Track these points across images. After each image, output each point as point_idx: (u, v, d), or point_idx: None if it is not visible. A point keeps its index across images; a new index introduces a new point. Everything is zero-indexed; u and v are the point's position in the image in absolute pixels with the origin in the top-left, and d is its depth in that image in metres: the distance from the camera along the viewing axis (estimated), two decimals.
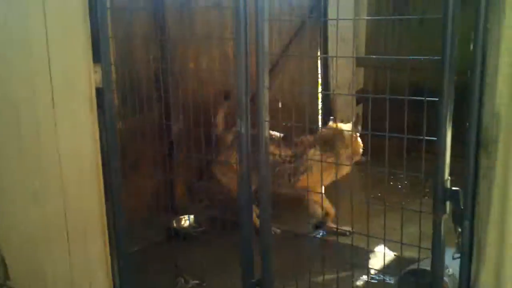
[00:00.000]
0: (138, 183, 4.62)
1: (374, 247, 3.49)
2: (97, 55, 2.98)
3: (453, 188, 2.10)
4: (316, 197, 4.71)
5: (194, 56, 5.27)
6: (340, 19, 2.64)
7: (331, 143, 4.68)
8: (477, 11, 1.93)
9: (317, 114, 7.02)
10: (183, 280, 3.95)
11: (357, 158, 4.68)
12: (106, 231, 3.13)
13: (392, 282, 3.68)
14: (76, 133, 3.06)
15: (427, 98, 2.09)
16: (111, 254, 3.16)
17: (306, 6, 6.63)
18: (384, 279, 3.94)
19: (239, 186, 2.70)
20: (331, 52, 6.65)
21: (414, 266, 3.35)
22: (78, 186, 3.08)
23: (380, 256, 3.95)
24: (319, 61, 6.84)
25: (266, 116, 2.54)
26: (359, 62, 7.13)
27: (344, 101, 7.12)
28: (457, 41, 2.00)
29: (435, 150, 2.12)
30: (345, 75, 7.07)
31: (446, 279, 2.95)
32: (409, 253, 2.73)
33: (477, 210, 2.05)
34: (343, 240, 4.40)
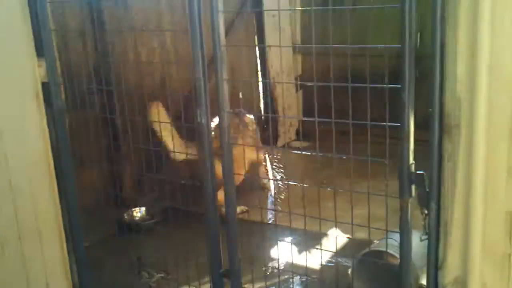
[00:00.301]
0: (85, 178, 4.48)
1: (327, 230, 3.53)
2: (40, 49, 2.90)
3: (418, 172, 2.14)
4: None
5: (132, 47, 5.14)
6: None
7: None
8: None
9: (258, 101, 7.05)
10: (147, 274, 3.83)
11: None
12: (63, 231, 3.03)
13: (347, 264, 3.71)
14: (24, 131, 2.94)
15: (389, 85, 2.11)
16: (68, 254, 3.06)
17: None
18: (340, 262, 3.96)
19: (203, 176, 2.67)
20: (268, 41, 6.65)
21: (377, 248, 3.39)
22: (29, 186, 2.96)
23: (334, 239, 3.98)
24: (257, 50, 6.84)
25: (226, 107, 2.51)
26: (295, 49, 7.22)
27: (285, 89, 7.24)
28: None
29: (397, 135, 2.15)
30: (283, 63, 7.13)
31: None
32: (362, 235, 2.79)
33: (442, 193, 2.10)
34: (297, 225, 4.43)
